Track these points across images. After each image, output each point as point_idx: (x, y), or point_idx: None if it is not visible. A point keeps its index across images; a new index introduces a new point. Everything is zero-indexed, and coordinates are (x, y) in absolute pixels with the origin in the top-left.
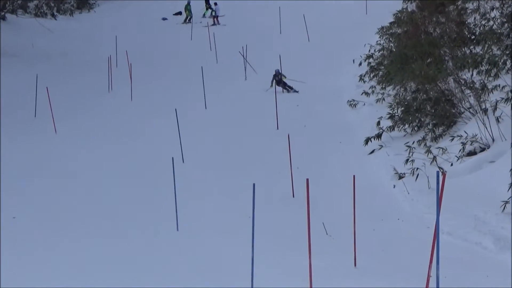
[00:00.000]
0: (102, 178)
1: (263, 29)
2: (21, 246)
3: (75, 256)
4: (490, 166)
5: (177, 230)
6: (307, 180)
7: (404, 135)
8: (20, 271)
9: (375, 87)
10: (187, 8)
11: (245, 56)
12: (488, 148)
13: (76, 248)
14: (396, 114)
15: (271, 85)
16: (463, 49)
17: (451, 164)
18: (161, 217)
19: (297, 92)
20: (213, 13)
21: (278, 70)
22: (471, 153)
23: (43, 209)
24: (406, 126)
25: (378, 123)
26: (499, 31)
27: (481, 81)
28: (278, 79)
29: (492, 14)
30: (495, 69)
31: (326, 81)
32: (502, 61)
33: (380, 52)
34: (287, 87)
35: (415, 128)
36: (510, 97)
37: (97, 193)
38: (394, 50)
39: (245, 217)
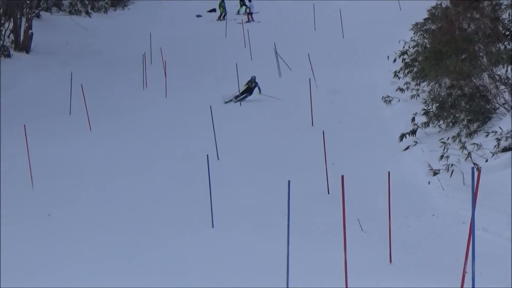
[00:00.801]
0: (137, 175)
1: (297, 26)
2: (56, 244)
3: (109, 253)
4: None
5: (213, 227)
6: (342, 176)
7: (439, 131)
8: (54, 266)
9: (409, 83)
10: (221, 5)
11: (277, 53)
12: None
13: (110, 245)
14: (430, 110)
15: (239, 91)
16: (498, 45)
17: (486, 160)
18: (196, 214)
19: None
20: (247, 10)
21: (255, 77)
22: (506, 149)
23: (78, 206)
24: (441, 122)
25: (413, 119)
26: None
27: None
28: (251, 87)
29: None
30: None
31: (360, 78)
32: None
33: (415, 48)
34: (241, 99)
35: (450, 124)
36: None
37: (131, 190)
38: (428, 46)
39: (280, 214)
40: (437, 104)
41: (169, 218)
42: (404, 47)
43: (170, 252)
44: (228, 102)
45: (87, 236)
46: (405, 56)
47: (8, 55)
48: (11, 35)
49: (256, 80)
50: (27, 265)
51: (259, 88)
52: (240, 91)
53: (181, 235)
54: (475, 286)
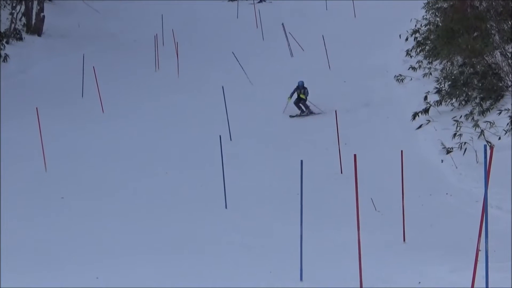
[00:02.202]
0: (150, 157)
1: (309, 5)
2: (70, 226)
3: (121, 233)
4: None
5: (226, 207)
6: (355, 156)
7: (452, 110)
8: (68, 247)
9: (422, 61)
10: None
11: (287, 33)
12: None
13: (123, 226)
14: (443, 89)
15: (290, 97)
16: (510, 22)
17: (499, 138)
18: (209, 195)
19: (317, 113)
20: None
21: (302, 82)
22: None
23: (91, 189)
24: (453, 100)
25: (425, 97)
26: None
27: None
28: (299, 93)
29: None
30: None
31: (372, 56)
32: None
33: (427, 27)
34: (302, 107)
35: (462, 103)
36: None
37: (145, 172)
38: (440, 24)
39: (294, 194)
40: (450, 82)
41: (183, 199)
42: (416, 25)
43: (184, 233)
44: (294, 116)
45: (101, 218)
46: (417, 35)
47: (20, 38)
48: (23, 18)
49: (304, 84)
50: (42, 247)
51: (306, 94)
52: (294, 101)
53: (193, 214)
54: (489, 264)
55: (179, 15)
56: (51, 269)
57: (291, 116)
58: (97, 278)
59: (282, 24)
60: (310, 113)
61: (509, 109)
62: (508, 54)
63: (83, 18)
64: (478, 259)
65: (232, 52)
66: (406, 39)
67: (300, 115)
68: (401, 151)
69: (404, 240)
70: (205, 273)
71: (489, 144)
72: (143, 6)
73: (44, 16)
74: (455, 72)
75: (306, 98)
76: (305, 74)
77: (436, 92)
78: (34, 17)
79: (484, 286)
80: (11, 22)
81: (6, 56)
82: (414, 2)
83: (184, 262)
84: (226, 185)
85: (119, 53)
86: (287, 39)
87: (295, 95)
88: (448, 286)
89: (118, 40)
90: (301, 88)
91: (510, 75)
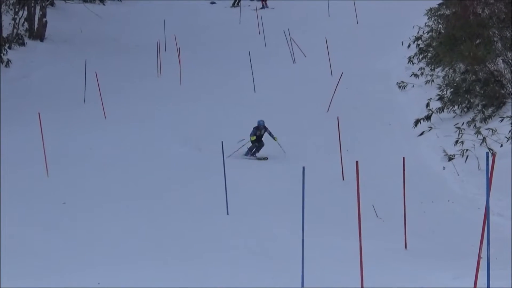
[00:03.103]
0: (152, 162)
1: (312, 12)
2: (72, 231)
3: (123, 238)
4: None
5: (227, 214)
6: (357, 162)
7: (454, 117)
8: (69, 253)
9: (424, 68)
10: None
11: (290, 39)
12: None
13: (125, 231)
14: (445, 96)
15: (252, 136)
16: None
17: (501, 145)
18: (211, 201)
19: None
20: None
21: (262, 122)
22: None
23: (93, 194)
24: (456, 107)
25: (427, 104)
26: None
27: None
28: (260, 134)
29: None
30: None
31: (375, 63)
32: None
33: (429, 34)
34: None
35: (465, 110)
36: None
37: (147, 177)
38: (442, 31)
39: (296, 200)
40: (452, 89)
41: (184, 204)
42: (418, 32)
43: (185, 239)
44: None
45: (102, 223)
46: (420, 42)
47: (23, 43)
48: (25, 23)
49: (265, 124)
50: (43, 252)
51: (271, 134)
52: (251, 142)
53: (195, 220)
54: (490, 271)
55: (181, 20)
56: (51, 273)
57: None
58: (98, 283)
59: (284, 31)
60: (257, 158)
61: (510, 116)
62: (510, 61)
63: (85, 22)
64: (480, 266)
65: (249, 53)
66: (409, 46)
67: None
68: (403, 158)
69: (405, 247)
70: (208, 278)
71: (491, 151)
72: (145, 11)
73: (46, 21)
74: (457, 79)
75: (274, 137)
76: (307, 79)
77: (438, 99)
78: (36, 22)
79: None
80: (14, 27)
81: (9, 61)
82: (416, 8)
83: (187, 267)
84: (228, 190)
85: (121, 58)
86: (290, 46)
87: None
88: None
89: (120, 45)
90: (261, 128)
91: None
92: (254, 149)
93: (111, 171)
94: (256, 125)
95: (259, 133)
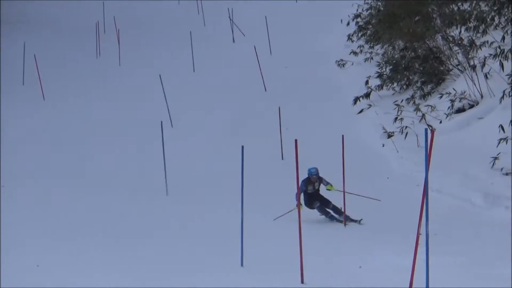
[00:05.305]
0: (90, 142)
1: None
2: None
3: (64, 219)
4: (479, 122)
5: (167, 195)
6: (296, 141)
7: (393, 94)
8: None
9: (363, 46)
10: None
11: (231, 18)
12: (476, 105)
13: (65, 211)
14: (384, 73)
15: (300, 203)
16: (451, 6)
17: (440, 122)
18: (151, 182)
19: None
20: None
21: (315, 170)
22: (460, 110)
23: (32, 175)
24: (395, 84)
25: (367, 82)
26: None
27: (469, 37)
28: (312, 190)
29: None
30: (483, 26)
31: (314, 42)
32: (490, 17)
33: (368, 11)
34: (331, 212)
35: (404, 87)
36: (499, 53)
37: (85, 157)
38: (382, 8)
39: (235, 179)
40: (391, 67)
41: (124, 185)
42: (357, 10)
43: (123, 216)
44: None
45: (39, 203)
46: (359, 19)
47: None
48: None
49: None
50: None
51: (326, 183)
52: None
53: (135, 201)
54: (429, 247)
55: (120, 3)
56: None
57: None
58: (37, 266)
59: (229, 9)
60: (351, 220)
61: (450, 93)
62: (449, 37)
63: (25, 5)
64: (419, 242)
65: (190, 33)
66: (348, 24)
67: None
68: (342, 135)
69: (345, 224)
70: (145, 258)
71: (430, 128)
72: None
73: None
74: (396, 56)
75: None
76: (246, 59)
77: (377, 77)
78: None
79: (425, 269)
80: None
81: None
82: None
83: (126, 248)
84: (167, 171)
85: (60, 40)
86: (231, 24)
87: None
88: (390, 269)
89: (60, 27)
90: (314, 180)
91: (451, 59)
92: (333, 211)
93: (49, 152)
94: (306, 176)
95: (311, 188)
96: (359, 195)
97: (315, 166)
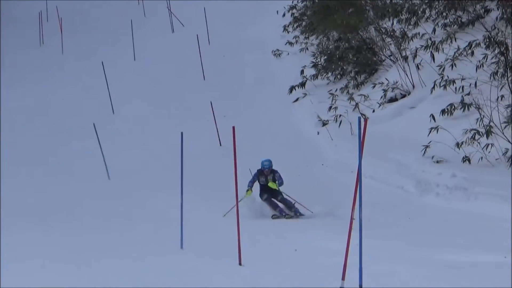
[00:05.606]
0: (31, 130)
1: None
2: None
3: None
4: (411, 111)
5: (109, 178)
6: (233, 128)
7: (327, 83)
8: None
9: (298, 37)
10: None
11: (169, 8)
12: (408, 95)
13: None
14: (319, 63)
15: (249, 189)
16: None
17: (373, 111)
18: (92, 168)
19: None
20: None
21: (268, 162)
22: (392, 100)
23: None
24: (329, 74)
25: (302, 72)
26: None
27: (401, 29)
28: (263, 182)
29: None
30: (414, 18)
31: (251, 32)
32: (421, 9)
33: (303, 3)
34: (279, 205)
35: (338, 76)
36: (430, 45)
37: (26, 145)
38: (316, 0)
39: (174, 165)
40: (325, 57)
41: (65, 170)
42: (293, 1)
43: (70, 204)
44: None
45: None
46: (294, 11)
47: None
48: None
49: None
50: None
51: (276, 182)
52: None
53: (77, 185)
54: (363, 231)
55: None
56: None
57: (273, 217)
58: None
59: (168, 1)
60: (299, 214)
61: (383, 83)
62: (382, 29)
63: None
64: (353, 227)
65: (131, 22)
66: (284, 15)
67: (283, 216)
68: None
69: (290, 217)
70: (86, 242)
71: (363, 117)
72: None
73: None
74: (330, 47)
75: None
76: (184, 48)
77: (312, 66)
78: None
79: (359, 252)
80: None
81: None
82: None
83: (66, 231)
84: (107, 158)
85: (2, 29)
86: (170, 16)
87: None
88: (325, 253)
89: (2, 16)
90: (267, 173)
91: (384, 50)
92: (284, 205)
93: None
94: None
95: (263, 179)
96: (296, 201)
97: (268, 158)
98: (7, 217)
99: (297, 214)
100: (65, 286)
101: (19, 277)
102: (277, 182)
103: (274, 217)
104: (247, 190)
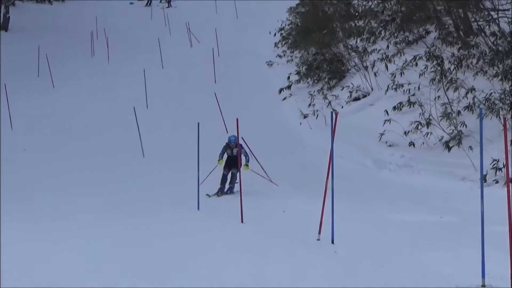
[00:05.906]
0: (83, 123)
1: (203, 8)
2: (31, 173)
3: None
4: (370, 108)
5: (143, 157)
6: (237, 120)
7: (307, 86)
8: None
9: (285, 51)
10: None
11: (188, 29)
12: (368, 95)
13: (54, 173)
14: (301, 71)
15: (220, 159)
16: (350, 22)
17: (342, 107)
18: (131, 148)
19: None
20: None
21: (234, 138)
22: (356, 99)
23: (45, 142)
24: (309, 79)
25: (288, 77)
26: (376, 9)
27: (363, 46)
28: (230, 154)
29: None
30: (373, 37)
31: (250, 47)
32: (378, 31)
33: (290, 26)
34: (229, 182)
35: (315, 81)
36: (384, 58)
37: (82, 126)
38: (299, 24)
39: (192, 148)
40: (306, 66)
41: (104, 154)
42: (282, 24)
43: (115, 174)
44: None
45: (52, 166)
46: (282, 31)
47: None
48: None
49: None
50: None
51: (246, 157)
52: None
53: (115, 163)
54: (334, 197)
55: (108, 16)
56: None
57: (207, 196)
58: None
59: (186, 23)
60: (229, 192)
61: (349, 86)
62: (348, 46)
63: (38, 17)
64: (327, 194)
65: (158, 40)
66: (274, 35)
67: (218, 195)
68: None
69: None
70: (126, 202)
71: (334, 111)
72: (82, 10)
73: (9, 16)
74: (310, 59)
75: (246, 163)
76: (200, 58)
77: (296, 74)
78: (1, 17)
79: (331, 212)
80: None
81: None
82: (280, 7)
83: (111, 195)
84: (143, 141)
85: (65, 43)
86: (189, 34)
87: (226, 156)
88: (306, 213)
89: (64, 34)
90: (233, 146)
91: (350, 61)
92: (223, 183)
93: (58, 127)
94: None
95: (229, 152)
96: (262, 176)
97: (234, 134)
98: (69, 184)
99: (227, 192)
100: (108, 233)
101: (76, 228)
102: (244, 156)
103: (206, 196)
104: (218, 160)
